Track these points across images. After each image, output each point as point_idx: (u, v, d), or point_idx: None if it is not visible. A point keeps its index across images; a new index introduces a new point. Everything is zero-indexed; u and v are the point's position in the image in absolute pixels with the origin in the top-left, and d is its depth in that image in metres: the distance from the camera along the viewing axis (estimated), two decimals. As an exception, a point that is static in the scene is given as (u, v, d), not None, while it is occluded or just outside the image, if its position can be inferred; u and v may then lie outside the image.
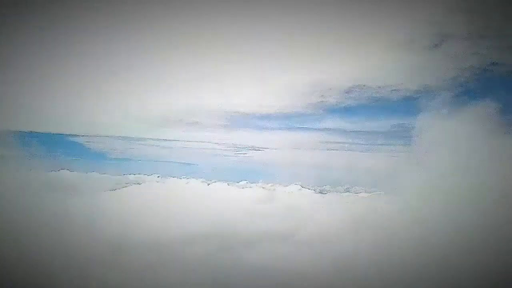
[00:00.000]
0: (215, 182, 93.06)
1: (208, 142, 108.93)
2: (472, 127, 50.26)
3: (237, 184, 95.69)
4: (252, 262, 43.63)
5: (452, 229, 39.97)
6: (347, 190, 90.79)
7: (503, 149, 46.71)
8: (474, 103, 58.64)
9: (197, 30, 73.23)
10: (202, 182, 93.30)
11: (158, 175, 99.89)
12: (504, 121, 54.56)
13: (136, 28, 71.65)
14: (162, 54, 77.28)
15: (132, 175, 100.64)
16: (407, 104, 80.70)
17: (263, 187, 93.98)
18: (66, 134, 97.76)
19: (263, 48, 75.66)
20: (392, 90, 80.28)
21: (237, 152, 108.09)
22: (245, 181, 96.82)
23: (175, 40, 75.23)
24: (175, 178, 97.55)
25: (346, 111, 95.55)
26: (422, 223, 43.77)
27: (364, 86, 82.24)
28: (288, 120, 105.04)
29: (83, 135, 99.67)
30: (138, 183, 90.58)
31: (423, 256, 37.89)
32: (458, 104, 59.23)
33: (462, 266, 33.53)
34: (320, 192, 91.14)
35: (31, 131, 75.08)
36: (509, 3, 59.19)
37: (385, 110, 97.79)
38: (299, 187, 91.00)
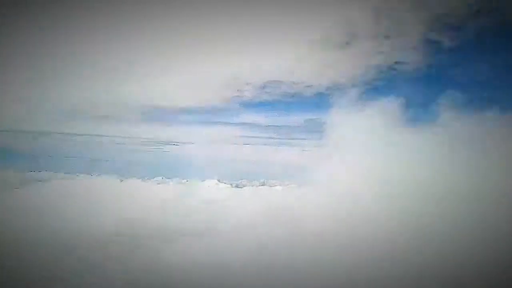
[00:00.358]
0: (129, 178, 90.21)
1: (121, 136, 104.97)
2: (379, 122, 53.71)
3: (152, 180, 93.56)
4: (170, 260, 42.70)
5: (363, 220, 42.44)
6: (263, 184, 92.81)
7: (405, 141, 50.55)
8: (380, 100, 62.67)
9: (111, 22, 70.08)
10: (115, 178, 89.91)
11: (66, 171, 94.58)
12: (406, 116, 59.07)
13: (42, 16, 66.95)
14: (72, 42, 72.90)
15: (37, 172, 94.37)
16: (320, 100, 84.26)
17: (179, 183, 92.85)
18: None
19: (179, 41, 74.36)
20: (306, 86, 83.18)
21: (152, 147, 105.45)
22: (161, 177, 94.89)
23: (86, 30, 71.32)
24: (85, 174, 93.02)
25: (262, 106, 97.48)
26: (334, 214, 45.96)
27: (279, 81, 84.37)
28: (205, 114, 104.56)
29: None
30: (44, 181, 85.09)
31: (336, 246, 39.78)
32: (366, 100, 62.89)
33: (372, 258, 35.78)
34: (237, 186, 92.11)
35: None
36: (410, 7, 64.05)
37: (299, 105, 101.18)
38: (216, 181, 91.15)
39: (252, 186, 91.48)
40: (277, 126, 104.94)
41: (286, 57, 74.23)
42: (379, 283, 31.74)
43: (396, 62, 74.35)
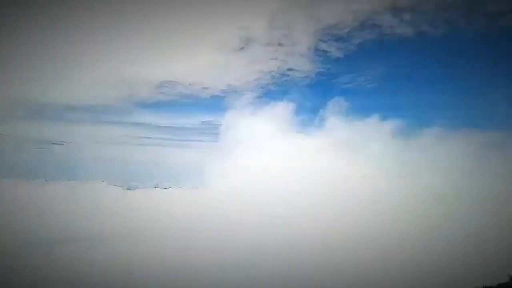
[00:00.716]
0: (4, 179, 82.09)
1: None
2: (272, 126, 55.94)
3: (32, 181, 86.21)
4: (56, 266, 39.52)
5: (257, 221, 43.58)
6: (156, 186, 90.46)
7: (296, 145, 53.21)
8: (273, 104, 65.24)
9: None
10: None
11: None
12: (297, 120, 62.18)
13: None
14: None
15: None
16: (216, 102, 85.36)
17: (63, 185, 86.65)
18: None
19: (71, 37, 70.17)
20: (202, 88, 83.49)
21: (35, 147, 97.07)
22: (44, 179, 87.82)
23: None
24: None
25: (157, 106, 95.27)
26: (228, 215, 46.55)
27: (175, 82, 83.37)
28: (95, 112, 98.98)
29: None
30: None
31: (229, 245, 40.30)
32: (260, 104, 65.20)
33: (266, 258, 36.93)
34: (128, 188, 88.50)
35: None
36: (303, 16, 67.77)
37: (196, 107, 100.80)
38: (106, 183, 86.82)
39: (145, 188, 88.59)
40: (172, 127, 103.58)
41: (182, 59, 73.76)
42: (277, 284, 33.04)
43: (288, 69, 78.32)
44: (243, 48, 72.88)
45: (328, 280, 32.18)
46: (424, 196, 48.92)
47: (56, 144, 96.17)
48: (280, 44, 76.12)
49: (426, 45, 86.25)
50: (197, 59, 72.03)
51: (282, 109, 60.45)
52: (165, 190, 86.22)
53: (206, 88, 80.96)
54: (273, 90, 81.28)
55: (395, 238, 40.55)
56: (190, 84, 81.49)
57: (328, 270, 33.49)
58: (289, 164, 50.73)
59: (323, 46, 78.30)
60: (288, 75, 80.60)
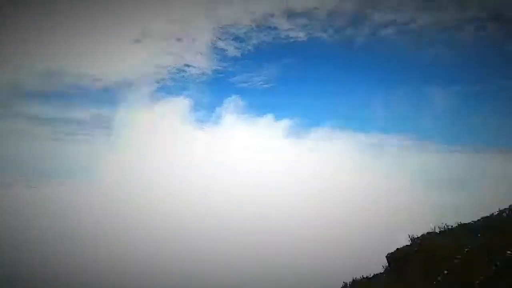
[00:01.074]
0: None
1: None
2: (167, 121, 55.56)
3: None
4: None
5: (153, 216, 43.09)
6: (42, 182, 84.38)
7: (193, 141, 53.73)
8: (170, 99, 65.09)
9: None
10: None
11: None
12: (194, 116, 62.92)
13: None
14: None
15: None
16: (108, 95, 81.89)
17: None
18: None
19: None
20: (94, 79, 79.59)
21: None
22: None
23: None
24: None
25: (42, 97, 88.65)
26: (121, 211, 45.36)
27: (64, 72, 78.45)
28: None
29: None
30: None
31: (117, 243, 39.39)
32: (156, 98, 64.40)
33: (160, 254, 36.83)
34: (3, 185, 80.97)
35: None
36: (203, 14, 68.22)
37: (86, 98, 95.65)
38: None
39: (28, 184, 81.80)
40: (59, 119, 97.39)
41: (72, 47, 70.22)
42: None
43: (186, 65, 78.72)
44: (139, 40, 71.35)
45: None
46: (307, 192, 52.44)
47: None
48: (178, 39, 75.96)
49: (317, 49, 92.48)
50: (89, 48, 69.07)
51: (179, 105, 60.65)
52: (52, 186, 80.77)
53: (98, 79, 77.59)
54: (169, 85, 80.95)
55: (280, 234, 43.03)
56: (80, 74, 77.41)
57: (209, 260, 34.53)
58: (184, 160, 51.07)
59: (221, 44, 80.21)
60: (185, 71, 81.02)
